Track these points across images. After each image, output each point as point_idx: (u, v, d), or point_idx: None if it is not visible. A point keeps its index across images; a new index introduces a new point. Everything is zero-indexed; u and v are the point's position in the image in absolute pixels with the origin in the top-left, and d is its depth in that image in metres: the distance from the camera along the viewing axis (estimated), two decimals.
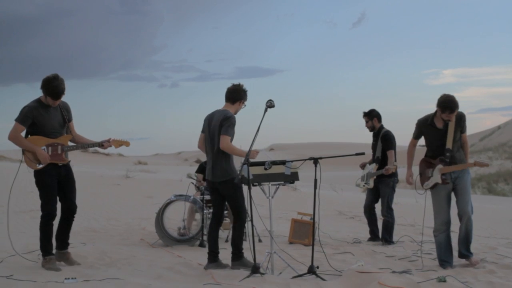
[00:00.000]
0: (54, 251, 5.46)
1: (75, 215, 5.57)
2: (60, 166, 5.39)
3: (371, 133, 7.59)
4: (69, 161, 5.54)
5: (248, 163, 5.05)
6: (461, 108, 5.57)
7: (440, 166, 5.52)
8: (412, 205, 14.33)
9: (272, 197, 5.17)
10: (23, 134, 5.35)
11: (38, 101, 5.31)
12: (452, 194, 5.60)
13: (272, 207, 5.22)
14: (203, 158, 8.00)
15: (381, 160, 7.27)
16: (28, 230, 7.90)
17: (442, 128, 5.54)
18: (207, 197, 7.22)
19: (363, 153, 6.27)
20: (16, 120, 5.23)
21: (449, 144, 5.48)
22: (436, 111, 5.55)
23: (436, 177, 5.53)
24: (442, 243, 5.56)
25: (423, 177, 5.69)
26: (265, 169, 5.06)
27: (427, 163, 5.66)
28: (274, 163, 5.14)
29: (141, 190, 14.12)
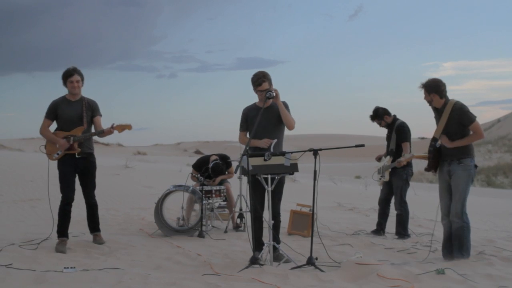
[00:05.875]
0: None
1: (97, 205, 6.06)
2: (78, 158, 5.76)
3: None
4: (91, 152, 5.87)
5: (248, 154, 5.04)
6: (461, 101, 5.54)
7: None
8: (411, 197, 14.31)
9: (272, 189, 5.15)
10: (52, 129, 5.86)
11: (63, 97, 5.88)
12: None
13: (271, 198, 5.20)
14: (202, 148, 8.00)
15: (395, 152, 7.14)
16: (27, 219, 7.89)
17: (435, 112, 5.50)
18: (206, 188, 7.24)
19: (362, 145, 6.24)
20: (45, 115, 5.84)
21: (436, 133, 5.41)
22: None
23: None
24: (445, 231, 5.54)
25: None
26: (265, 160, 5.05)
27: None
28: (274, 154, 5.12)
29: (140, 180, 14.09)
